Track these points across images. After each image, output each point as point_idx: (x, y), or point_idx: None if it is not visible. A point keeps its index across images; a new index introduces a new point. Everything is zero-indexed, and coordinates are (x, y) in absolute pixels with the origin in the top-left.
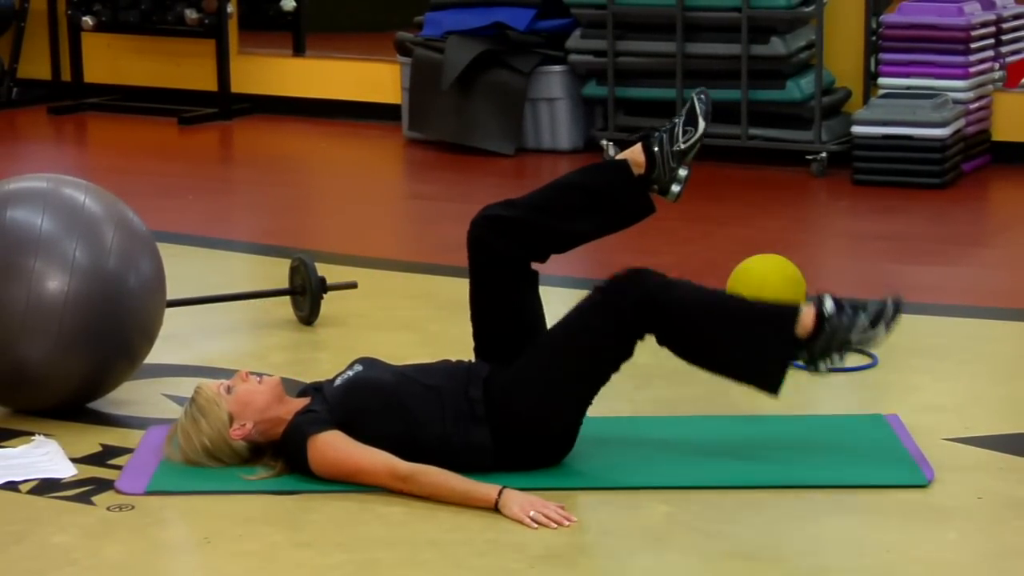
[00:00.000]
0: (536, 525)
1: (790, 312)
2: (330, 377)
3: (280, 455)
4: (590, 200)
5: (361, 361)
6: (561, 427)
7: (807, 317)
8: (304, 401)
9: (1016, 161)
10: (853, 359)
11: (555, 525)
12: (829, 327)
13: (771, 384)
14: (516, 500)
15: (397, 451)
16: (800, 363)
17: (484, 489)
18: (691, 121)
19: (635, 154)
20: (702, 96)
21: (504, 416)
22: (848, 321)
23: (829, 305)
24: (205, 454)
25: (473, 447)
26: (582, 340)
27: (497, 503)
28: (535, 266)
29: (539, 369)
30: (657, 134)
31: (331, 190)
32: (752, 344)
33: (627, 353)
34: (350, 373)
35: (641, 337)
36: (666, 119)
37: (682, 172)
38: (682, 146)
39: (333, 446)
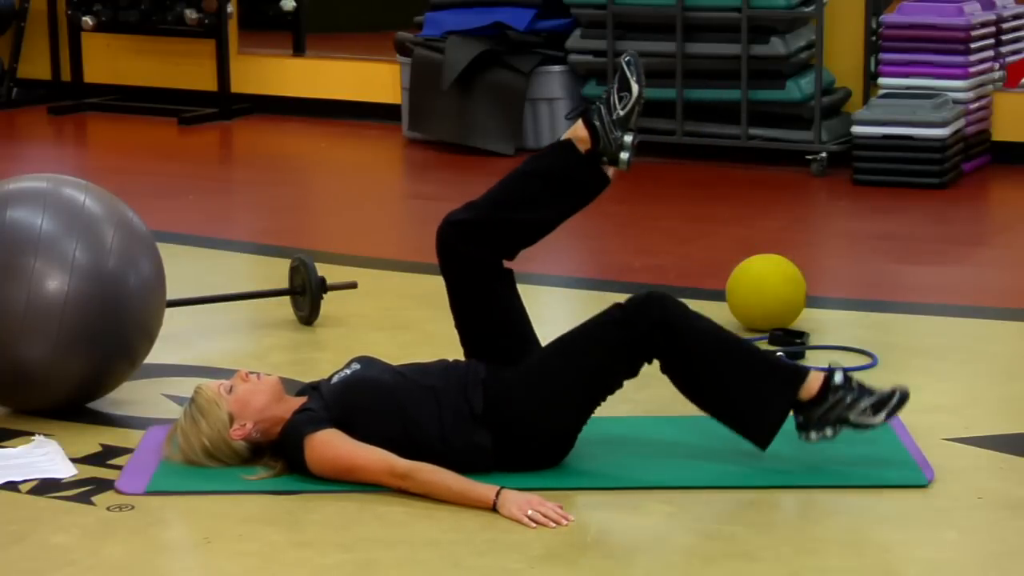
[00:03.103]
0: (535, 525)
1: (800, 372)
2: (328, 376)
3: (280, 455)
4: (545, 185)
5: (359, 360)
6: (560, 433)
7: (814, 381)
8: (302, 400)
9: (1016, 161)
10: (853, 359)
11: (553, 524)
12: (832, 398)
13: (763, 439)
14: (514, 500)
15: (395, 450)
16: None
17: (482, 489)
18: (624, 87)
19: (578, 130)
20: (629, 60)
21: (504, 418)
22: (852, 399)
23: (839, 378)
24: (205, 454)
25: (472, 447)
26: (593, 353)
27: (495, 503)
28: (512, 264)
29: (544, 376)
30: (595, 106)
31: (331, 190)
32: (755, 394)
33: (633, 372)
34: (348, 372)
35: (650, 360)
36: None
37: (627, 138)
38: (620, 113)
39: (330, 444)
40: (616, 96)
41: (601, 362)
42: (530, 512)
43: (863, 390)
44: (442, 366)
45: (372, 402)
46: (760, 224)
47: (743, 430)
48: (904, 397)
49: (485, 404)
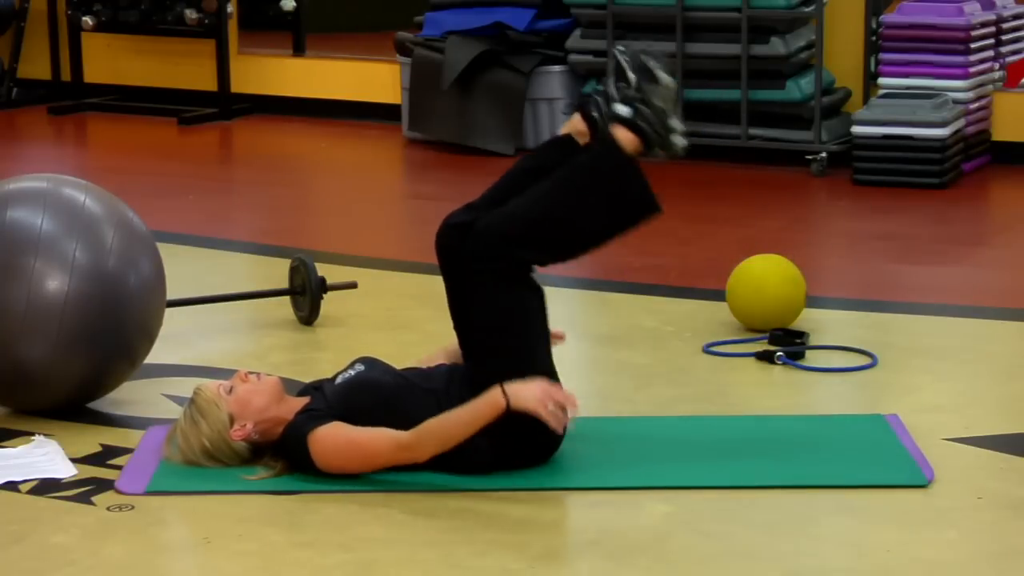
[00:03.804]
0: (555, 421)
1: (612, 149)
2: (330, 376)
3: (280, 455)
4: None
5: (363, 361)
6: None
7: (625, 138)
8: (304, 401)
9: (1016, 161)
10: (853, 359)
11: (569, 416)
12: (642, 122)
13: (651, 208)
14: (524, 393)
15: None
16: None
17: (486, 403)
18: (622, 78)
19: (576, 124)
20: (622, 49)
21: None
22: (604, 98)
23: (623, 110)
24: (204, 455)
25: (470, 448)
26: (501, 309)
27: (507, 405)
28: None
29: (492, 354)
30: (593, 98)
31: (331, 190)
32: (605, 198)
33: (533, 288)
34: (351, 372)
35: (523, 266)
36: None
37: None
38: (620, 113)
39: (334, 436)
40: (615, 88)
41: (514, 307)
42: (550, 407)
43: (606, 93)
44: (444, 371)
45: (375, 404)
46: (760, 224)
47: (633, 220)
48: (646, 57)
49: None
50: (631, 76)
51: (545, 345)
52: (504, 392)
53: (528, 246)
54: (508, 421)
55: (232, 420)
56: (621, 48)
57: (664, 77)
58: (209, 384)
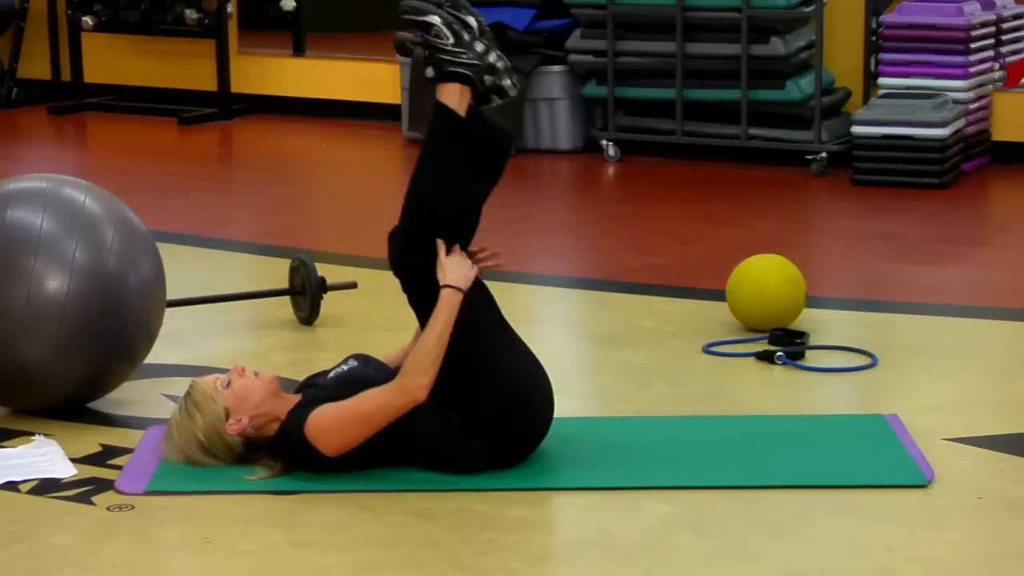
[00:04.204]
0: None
1: (440, 111)
2: (324, 370)
3: (278, 454)
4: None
5: (356, 357)
6: (516, 372)
7: (451, 91)
8: (298, 398)
9: (1016, 161)
10: (853, 359)
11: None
12: (432, 49)
13: (504, 143)
14: (455, 274)
15: (386, 450)
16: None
17: (443, 304)
18: (457, 6)
19: (451, 93)
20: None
21: (469, 402)
22: (440, 35)
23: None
24: (200, 449)
25: (464, 450)
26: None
27: (457, 288)
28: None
29: (453, 351)
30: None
31: (331, 190)
32: (460, 159)
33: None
34: (344, 368)
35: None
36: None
37: (491, 58)
38: (452, 58)
39: (328, 414)
40: (451, 44)
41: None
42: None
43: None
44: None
45: None
46: (760, 224)
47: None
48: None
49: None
50: (445, 32)
51: (497, 327)
52: (446, 287)
53: (425, 230)
54: (499, 419)
55: (228, 414)
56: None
57: (471, 20)
58: (205, 378)
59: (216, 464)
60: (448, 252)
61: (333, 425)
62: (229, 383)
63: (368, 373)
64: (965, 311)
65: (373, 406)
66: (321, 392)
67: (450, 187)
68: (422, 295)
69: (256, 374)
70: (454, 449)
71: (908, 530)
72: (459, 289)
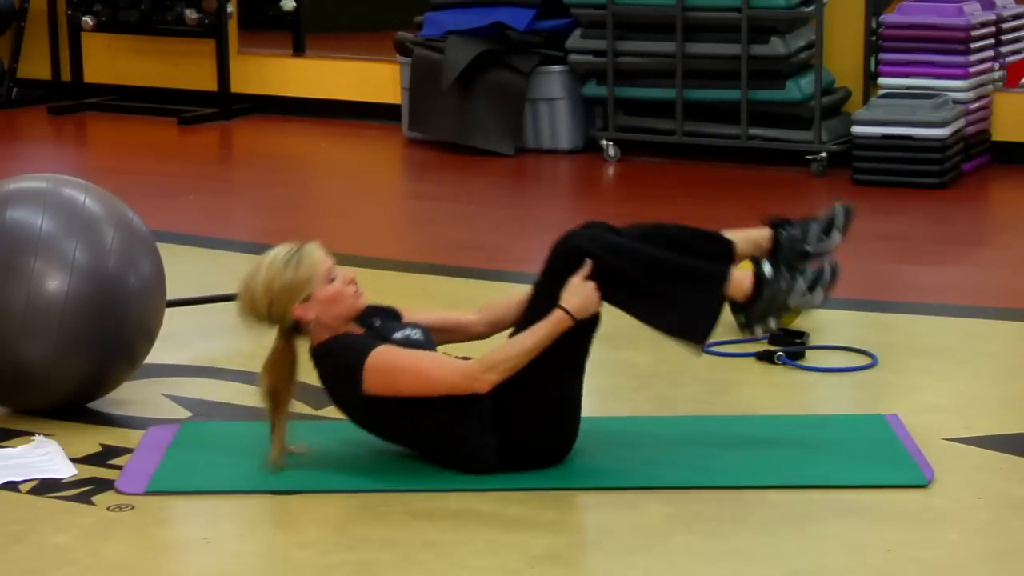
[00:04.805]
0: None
1: (719, 274)
2: (377, 323)
3: (321, 361)
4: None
5: (420, 328)
6: (561, 416)
7: (745, 280)
8: (360, 330)
9: (1016, 161)
10: (853, 359)
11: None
12: (768, 292)
13: (697, 343)
14: (584, 304)
15: (407, 429)
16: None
17: (551, 321)
18: (828, 229)
19: (756, 238)
20: (848, 209)
21: (509, 410)
22: (787, 285)
23: (768, 270)
24: (263, 293)
25: (478, 448)
26: (548, 306)
27: (570, 314)
28: None
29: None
30: (787, 230)
31: (331, 190)
32: (684, 300)
33: (594, 322)
34: (410, 333)
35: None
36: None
37: (772, 323)
38: (809, 249)
39: (395, 355)
40: (817, 236)
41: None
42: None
43: (794, 272)
44: None
45: None
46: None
47: (680, 337)
48: (835, 270)
49: (494, 404)
50: (836, 235)
51: (579, 364)
52: (565, 310)
53: (610, 271)
54: (520, 421)
55: (307, 298)
56: (846, 207)
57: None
58: (323, 257)
59: (253, 319)
60: (586, 278)
61: (391, 367)
62: (333, 280)
63: (430, 349)
64: (965, 311)
65: (438, 373)
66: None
67: (648, 293)
68: (545, 299)
69: (358, 294)
70: (471, 441)
71: (908, 530)
72: (572, 316)
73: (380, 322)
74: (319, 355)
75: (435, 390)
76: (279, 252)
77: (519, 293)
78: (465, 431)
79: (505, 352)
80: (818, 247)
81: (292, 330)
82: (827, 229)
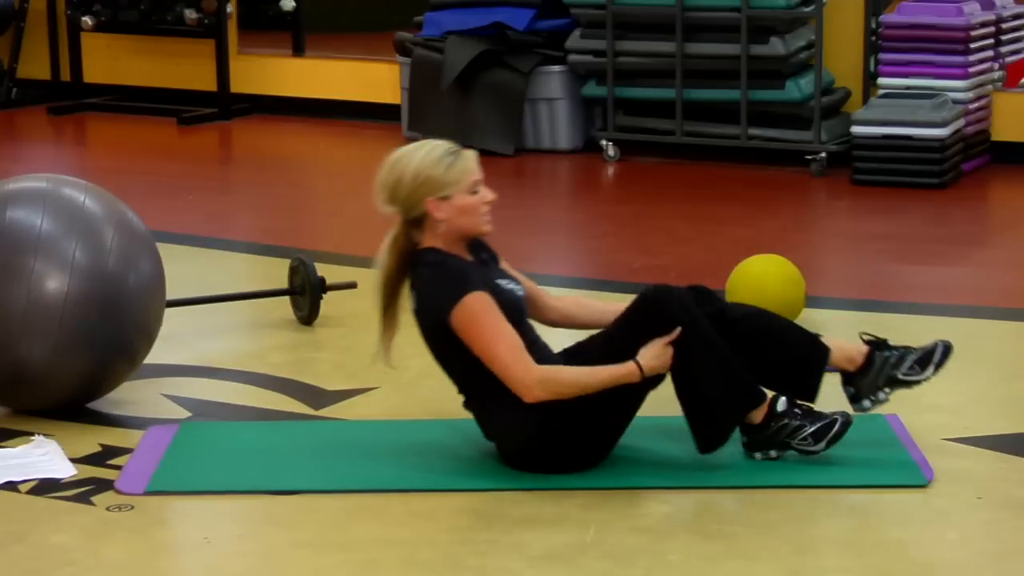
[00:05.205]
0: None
1: (756, 397)
2: (489, 270)
3: (420, 267)
4: (772, 351)
5: (521, 287)
6: (604, 432)
7: (857, 353)
8: (470, 258)
9: (1015, 161)
10: None
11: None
12: (775, 425)
13: (702, 447)
14: (654, 366)
15: (464, 368)
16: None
17: (622, 374)
18: (924, 362)
19: (850, 350)
20: (948, 347)
21: (552, 422)
22: (795, 426)
23: (781, 405)
24: (410, 174)
25: (522, 417)
26: (627, 345)
27: (642, 372)
28: None
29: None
30: (891, 352)
31: (331, 190)
32: (716, 411)
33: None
34: (515, 288)
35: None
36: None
37: (882, 395)
38: (899, 376)
39: (487, 309)
40: (911, 363)
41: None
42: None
43: (807, 416)
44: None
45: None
46: (760, 224)
47: (693, 433)
48: (948, 348)
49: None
50: (930, 371)
51: (629, 413)
52: (640, 368)
53: (686, 349)
54: (559, 433)
55: (444, 198)
56: (948, 347)
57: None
58: (476, 168)
59: (386, 198)
60: (669, 343)
61: (477, 320)
62: (479, 192)
63: (524, 325)
64: (965, 311)
65: (503, 357)
66: (493, 289)
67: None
68: (621, 340)
69: (488, 219)
70: (516, 409)
71: (908, 530)
72: (643, 374)
73: (487, 259)
74: (426, 259)
75: (491, 366)
76: (439, 145)
77: (602, 302)
78: (513, 400)
79: (566, 379)
80: (908, 376)
81: (415, 221)
82: (923, 361)
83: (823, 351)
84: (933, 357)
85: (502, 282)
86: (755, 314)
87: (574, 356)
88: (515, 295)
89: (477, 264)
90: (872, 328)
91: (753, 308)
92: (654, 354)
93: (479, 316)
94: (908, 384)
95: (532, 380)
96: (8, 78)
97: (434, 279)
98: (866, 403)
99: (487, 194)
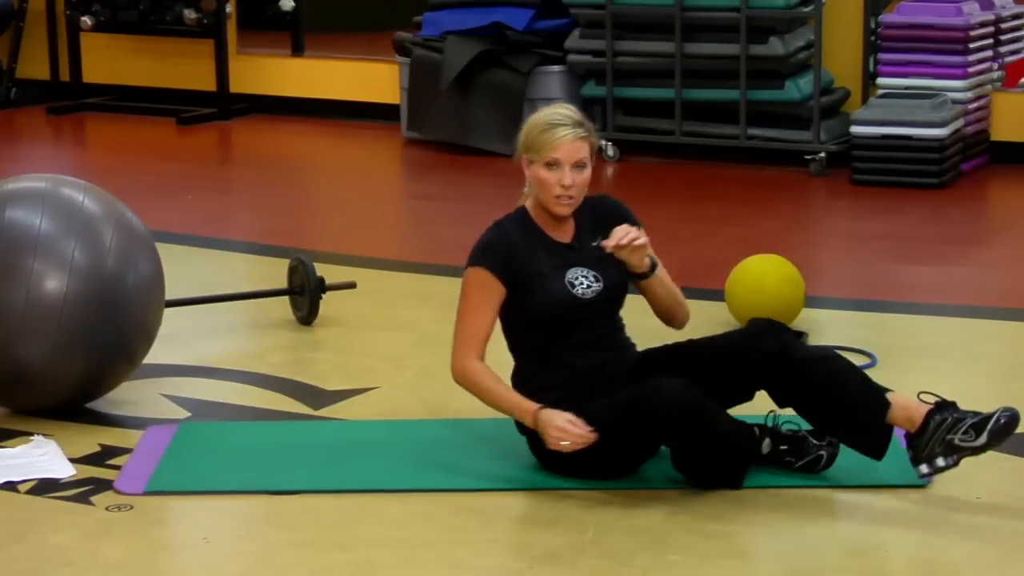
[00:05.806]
0: (560, 447)
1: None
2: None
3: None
4: (833, 407)
5: (595, 292)
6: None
7: (917, 414)
8: (555, 235)
9: (1015, 161)
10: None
11: (580, 443)
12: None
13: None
14: (548, 431)
15: (509, 329)
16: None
17: (525, 410)
18: (979, 428)
19: (912, 409)
20: (1006, 416)
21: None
22: (951, 423)
23: (765, 446)
24: (526, 129)
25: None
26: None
27: (536, 419)
28: None
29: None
30: (946, 415)
31: (331, 190)
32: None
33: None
34: (580, 290)
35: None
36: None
37: (940, 462)
38: (956, 441)
39: (477, 286)
40: (967, 427)
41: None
42: (563, 443)
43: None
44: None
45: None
46: (760, 224)
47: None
48: (1013, 416)
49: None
50: (984, 438)
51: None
52: (537, 417)
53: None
54: (605, 458)
55: (532, 161)
56: (1007, 417)
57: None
58: (570, 146)
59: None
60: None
61: (464, 292)
62: (552, 168)
63: (581, 327)
64: (965, 311)
65: (460, 330)
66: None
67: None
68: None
69: (560, 201)
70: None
71: (908, 530)
72: (534, 424)
73: (581, 247)
74: (503, 220)
75: (456, 327)
76: (557, 112)
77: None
78: (532, 380)
79: (481, 385)
80: (964, 442)
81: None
82: (979, 427)
83: (880, 410)
84: (989, 424)
85: (572, 277)
86: (819, 359)
87: (655, 361)
88: (556, 299)
89: (557, 247)
90: (871, 328)
91: (818, 351)
92: (557, 425)
93: (465, 289)
94: (965, 451)
95: (460, 366)
96: (7, 78)
97: (480, 237)
98: (923, 468)
99: (565, 177)
